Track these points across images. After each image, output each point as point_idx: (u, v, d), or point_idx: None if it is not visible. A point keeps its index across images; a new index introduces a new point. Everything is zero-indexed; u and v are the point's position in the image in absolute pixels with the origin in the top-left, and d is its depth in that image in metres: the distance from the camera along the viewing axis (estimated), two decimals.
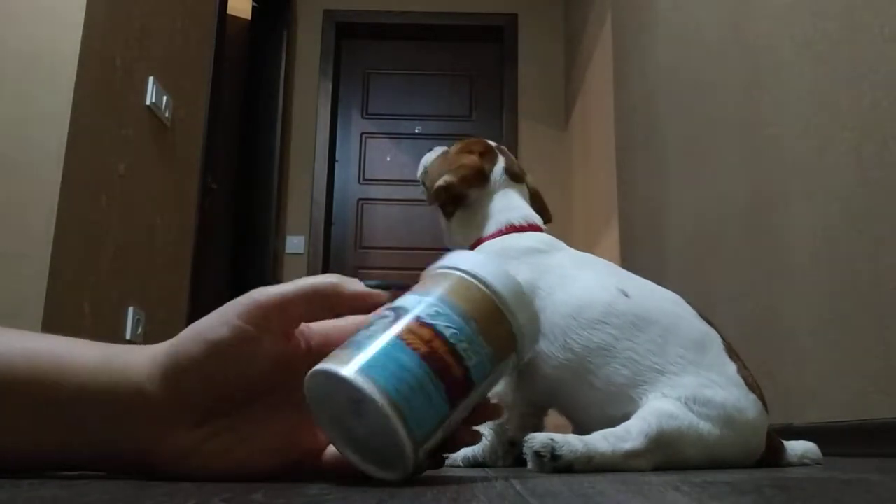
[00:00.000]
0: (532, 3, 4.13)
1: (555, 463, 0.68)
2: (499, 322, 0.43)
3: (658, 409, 0.78)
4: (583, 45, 3.60)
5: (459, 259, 0.46)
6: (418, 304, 0.42)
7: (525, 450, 0.70)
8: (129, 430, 0.40)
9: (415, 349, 0.40)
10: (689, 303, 0.92)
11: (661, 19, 2.39)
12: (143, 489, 0.37)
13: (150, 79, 2.16)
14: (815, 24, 1.41)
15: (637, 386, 0.82)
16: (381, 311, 0.43)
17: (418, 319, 0.41)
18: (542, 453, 0.68)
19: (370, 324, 0.42)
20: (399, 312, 0.42)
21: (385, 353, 0.39)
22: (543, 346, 0.87)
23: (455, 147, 1.14)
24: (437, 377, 0.40)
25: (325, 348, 0.42)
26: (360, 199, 4.02)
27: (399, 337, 0.40)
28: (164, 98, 2.25)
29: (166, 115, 2.28)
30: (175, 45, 2.37)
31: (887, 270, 1.17)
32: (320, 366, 0.40)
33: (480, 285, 0.44)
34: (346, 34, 4.15)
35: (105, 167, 1.91)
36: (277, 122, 3.80)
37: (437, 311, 0.42)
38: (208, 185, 2.73)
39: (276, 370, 0.42)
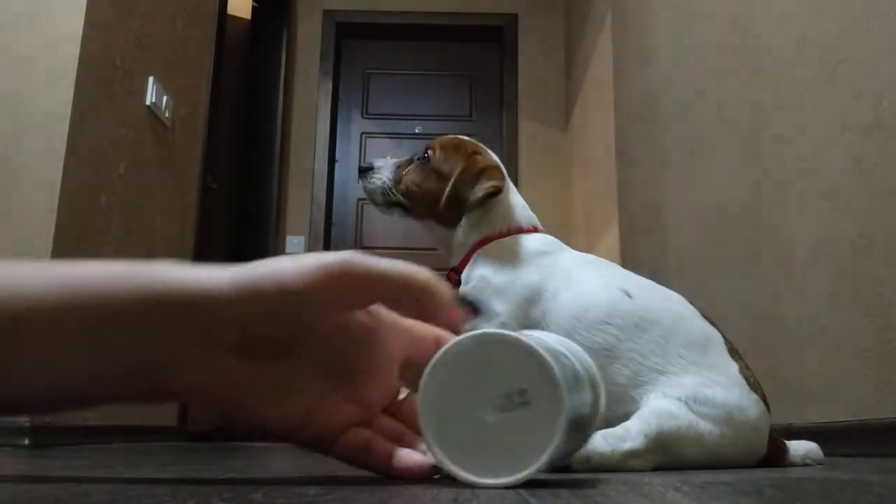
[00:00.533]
0: (532, 3, 4.13)
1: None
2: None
3: (658, 409, 0.78)
4: (583, 45, 3.60)
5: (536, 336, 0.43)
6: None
7: None
8: (190, 352, 0.39)
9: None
10: (690, 303, 0.92)
11: (661, 19, 2.39)
12: (143, 489, 0.37)
13: (150, 79, 2.16)
14: (815, 24, 1.41)
15: (638, 386, 0.82)
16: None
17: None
18: None
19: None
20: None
21: (563, 357, 0.41)
22: None
23: (444, 147, 1.08)
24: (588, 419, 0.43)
25: (391, 339, 0.41)
26: (360, 199, 4.02)
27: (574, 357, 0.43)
28: (164, 98, 2.25)
29: (166, 115, 2.27)
30: (175, 45, 2.37)
31: (887, 270, 1.17)
32: (501, 331, 0.39)
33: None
34: (346, 34, 4.15)
35: (105, 167, 1.91)
36: (277, 122, 3.80)
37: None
38: (208, 185, 2.73)
39: (333, 335, 0.40)
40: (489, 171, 1.04)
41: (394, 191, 1.08)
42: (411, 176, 1.08)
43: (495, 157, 1.10)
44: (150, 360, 0.38)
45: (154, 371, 0.38)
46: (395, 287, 0.40)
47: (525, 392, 0.38)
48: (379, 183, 1.08)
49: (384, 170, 1.09)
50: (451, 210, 1.04)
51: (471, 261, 1.00)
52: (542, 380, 0.38)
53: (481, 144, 1.12)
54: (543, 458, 0.37)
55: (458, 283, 0.98)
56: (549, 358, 0.38)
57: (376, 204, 1.10)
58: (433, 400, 0.39)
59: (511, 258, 0.96)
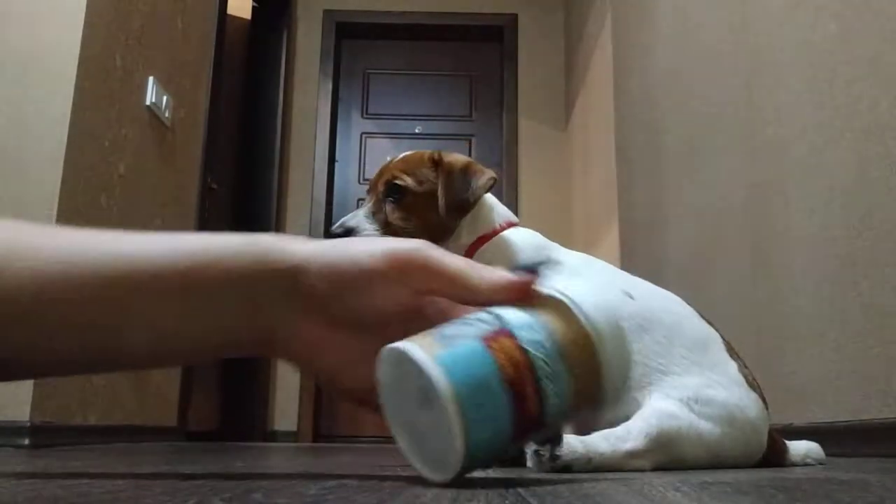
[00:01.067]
0: (532, 3, 4.13)
1: (554, 462, 0.68)
2: (593, 373, 0.41)
3: (659, 409, 0.78)
4: (583, 45, 3.60)
5: (577, 290, 0.43)
6: (521, 320, 0.40)
7: (525, 449, 0.70)
8: (276, 311, 0.43)
9: (502, 370, 0.38)
10: (687, 303, 0.92)
11: (661, 19, 2.39)
12: (143, 488, 0.37)
13: (150, 79, 2.16)
14: (815, 24, 1.41)
15: (642, 388, 0.82)
16: (479, 313, 0.41)
17: (516, 340, 0.39)
18: (542, 452, 0.69)
19: (466, 320, 0.40)
20: (500, 322, 0.40)
21: (470, 358, 0.38)
22: None
23: (406, 171, 1.03)
24: (513, 405, 0.38)
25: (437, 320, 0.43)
26: (361, 200, 4.02)
27: (490, 348, 0.38)
28: (164, 98, 2.25)
29: (166, 115, 2.28)
30: (175, 45, 2.37)
31: (887, 270, 1.17)
32: (400, 344, 0.39)
33: (591, 332, 0.41)
34: (346, 34, 4.15)
35: (105, 167, 1.91)
36: (277, 122, 3.80)
37: (537, 340, 0.39)
38: (208, 185, 2.73)
39: (409, 314, 0.44)
40: (470, 165, 1.02)
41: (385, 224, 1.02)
42: (396, 215, 1.01)
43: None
44: (258, 323, 0.43)
45: (259, 331, 0.44)
46: (452, 281, 0.43)
47: (427, 391, 0.37)
48: (363, 229, 1.01)
49: (363, 225, 1.01)
50: (453, 218, 1.01)
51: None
52: (430, 387, 0.37)
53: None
54: (456, 459, 0.37)
55: None
56: (429, 367, 0.37)
57: None
58: (386, 396, 0.41)
59: (518, 255, 0.95)
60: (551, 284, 0.43)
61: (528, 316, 0.40)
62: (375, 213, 1.02)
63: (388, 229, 1.01)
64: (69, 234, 0.44)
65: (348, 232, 1.00)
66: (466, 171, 1.01)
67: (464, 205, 0.99)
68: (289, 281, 0.43)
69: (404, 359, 0.38)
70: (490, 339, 0.38)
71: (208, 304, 0.43)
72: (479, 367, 0.37)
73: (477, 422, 0.37)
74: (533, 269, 0.43)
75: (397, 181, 1.01)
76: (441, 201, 0.99)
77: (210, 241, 0.45)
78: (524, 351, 0.39)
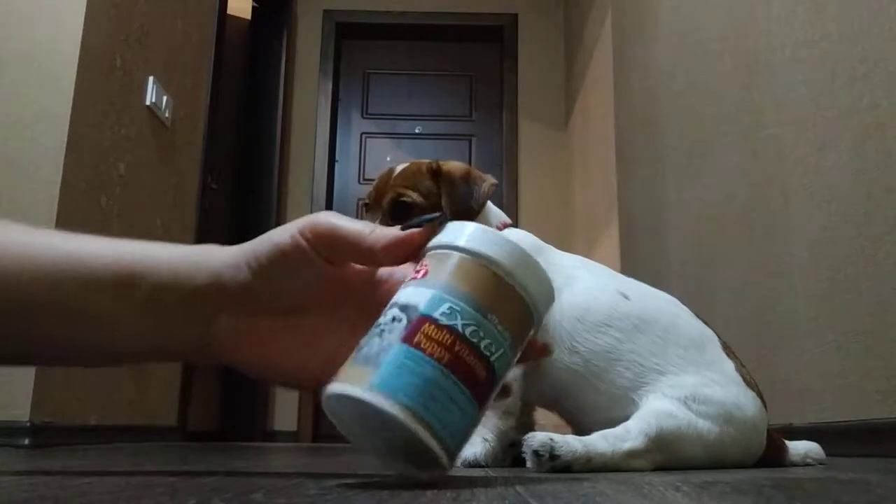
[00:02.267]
0: (532, 3, 4.13)
1: (553, 462, 0.68)
2: (512, 299, 0.41)
3: (657, 409, 0.78)
4: (583, 45, 3.60)
5: (457, 234, 0.43)
6: (428, 299, 0.40)
7: (524, 449, 0.70)
8: (203, 313, 0.45)
9: (437, 359, 0.38)
10: (683, 304, 0.93)
11: (661, 19, 2.39)
12: (143, 488, 0.37)
13: (150, 79, 2.16)
14: (815, 24, 1.41)
15: (639, 388, 0.82)
16: (388, 311, 0.41)
17: (435, 322, 0.39)
18: (541, 453, 0.68)
19: (380, 328, 0.40)
20: (410, 313, 0.39)
21: (403, 366, 0.38)
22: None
23: (407, 185, 0.99)
24: (464, 383, 0.38)
25: (391, 288, 0.44)
26: (360, 199, 4.02)
27: (417, 347, 0.38)
28: (164, 98, 2.25)
29: (166, 115, 2.28)
30: (175, 45, 2.37)
31: (887, 270, 1.17)
32: (333, 388, 0.38)
33: (488, 264, 0.41)
34: (346, 34, 4.15)
35: (105, 167, 1.91)
36: (277, 122, 3.80)
37: (451, 308, 0.39)
38: (208, 185, 2.73)
39: (329, 287, 0.45)
40: (470, 172, 1.01)
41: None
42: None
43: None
44: (195, 327, 0.45)
45: (197, 338, 0.45)
46: (353, 245, 0.44)
47: (380, 418, 0.38)
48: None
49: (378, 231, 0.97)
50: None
51: None
52: (381, 415, 0.38)
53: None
54: (441, 455, 0.38)
55: None
56: (371, 398, 0.37)
57: None
58: (345, 424, 0.42)
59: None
60: (443, 238, 0.43)
61: (431, 289, 0.40)
62: None
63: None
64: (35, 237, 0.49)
65: None
66: (468, 178, 1.00)
67: (469, 213, 0.98)
68: (222, 285, 0.44)
69: (346, 400, 0.38)
70: (411, 336, 0.38)
71: (160, 309, 0.45)
72: (415, 369, 0.38)
73: (438, 415, 0.37)
74: (422, 224, 0.44)
75: (404, 198, 0.98)
76: (447, 212, 0.96)
77: (164, 253, 0.47)
78: (447, 328, 0.39)
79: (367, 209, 1.03)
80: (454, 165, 1.02)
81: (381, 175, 1.02)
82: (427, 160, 1.03)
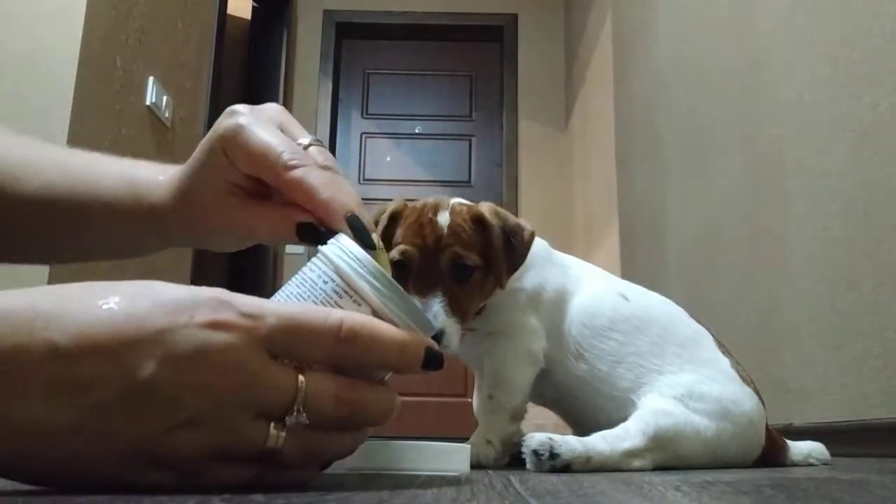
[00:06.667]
0: (532, 3, 4.13)
1: (553, 462, 0.68)
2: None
3: (654, 408, 0.78)
4: (583, 45, 3.60)
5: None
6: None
7: (523, 449, 0.70)
8: (145, 229, 0.56)
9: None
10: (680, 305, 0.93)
11: (662, 19, 2.39)
12: (143, 488, 0.37)
13: (150, 79, 2.16)
14: (815, 24, 1.41)
15: (638, 388, 0.82)
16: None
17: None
18: (541, 452, 0.69)
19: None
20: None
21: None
22: (557, 354, 0.86)
23: (466, 244, 0.84)
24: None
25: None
26: (360, 200, 4.02)
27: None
28: (164, 98, 2.25)
29: (166, 115, 2.28)
30: (175, 45, 2.37)
31: (887, 270, 1.17)
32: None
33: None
34: (346, 34, 4.15)
35: None
36: None
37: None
38: None
39: (251, 179, 0.49)
40: (517, 225, 0.89)
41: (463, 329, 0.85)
42: (467, 300, 0.85)
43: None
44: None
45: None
46: (259, 160, 0.46)
47: None
48: (455, 340, 0.83)
49: (450, 329, 0.82)
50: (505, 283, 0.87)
51: None
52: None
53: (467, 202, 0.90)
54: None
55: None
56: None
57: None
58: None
59: (530, 261, 0.91)
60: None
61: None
62: (451, 303, 0.83)
63: (465, 322, 0.85)
64: (63, 156, 0.59)
65: (438, 337, 0.81)
66: (516, 233, 0.87)
67: (515, 270, 0.88)
68: (149, 212, 0.55)
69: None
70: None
71: (94, 231, 0.56)
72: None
73: None
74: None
75: (466, 261, 0.84)
76: (503, 278, 0.85)
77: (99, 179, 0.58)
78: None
79: (411, 258, 0.85)
80: (500, 216, 0.88)
81: (421, 219, 0.86)
82: (469, 206, 0.90)
